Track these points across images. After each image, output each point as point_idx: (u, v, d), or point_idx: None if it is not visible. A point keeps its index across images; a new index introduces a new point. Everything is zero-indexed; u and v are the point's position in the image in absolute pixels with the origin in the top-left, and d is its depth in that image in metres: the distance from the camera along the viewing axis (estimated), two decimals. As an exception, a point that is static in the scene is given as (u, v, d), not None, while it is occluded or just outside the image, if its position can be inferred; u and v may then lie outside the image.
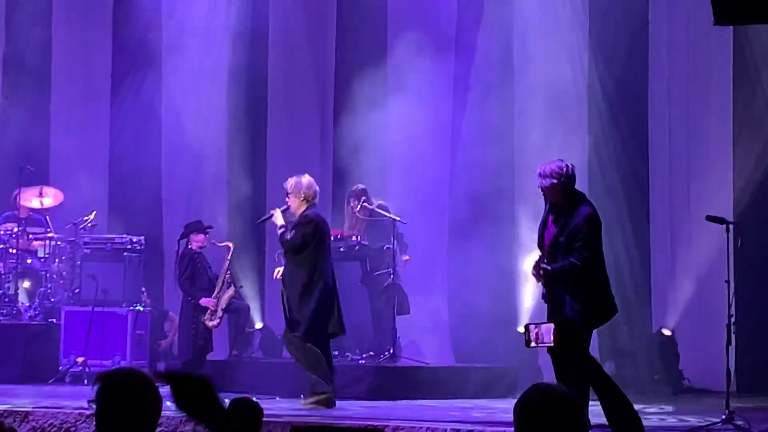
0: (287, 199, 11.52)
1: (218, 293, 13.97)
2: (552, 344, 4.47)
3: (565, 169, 9.58)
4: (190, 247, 14.22)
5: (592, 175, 14.51)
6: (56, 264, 15.31)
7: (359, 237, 14.24)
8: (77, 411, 10.59)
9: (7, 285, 15.12)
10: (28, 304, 15.17)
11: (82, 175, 16.46)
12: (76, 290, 14.98)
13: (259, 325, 15.45)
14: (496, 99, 15.24)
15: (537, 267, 9.63)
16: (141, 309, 14.64)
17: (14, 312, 15.03)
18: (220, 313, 13.91)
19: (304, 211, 11.38)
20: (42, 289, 15.21)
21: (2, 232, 15.34)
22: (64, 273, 15.26)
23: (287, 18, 16.68)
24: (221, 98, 16.55)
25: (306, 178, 11.48)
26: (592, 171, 14.62)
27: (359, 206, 14.30)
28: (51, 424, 10.32)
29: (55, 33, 17.18)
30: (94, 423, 4.38)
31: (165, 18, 16.53)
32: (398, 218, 14.13)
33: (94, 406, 4.29)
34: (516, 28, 15.30)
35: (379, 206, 14.35)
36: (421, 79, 14.92)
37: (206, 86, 16.45)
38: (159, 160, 16.73)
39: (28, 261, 15.34)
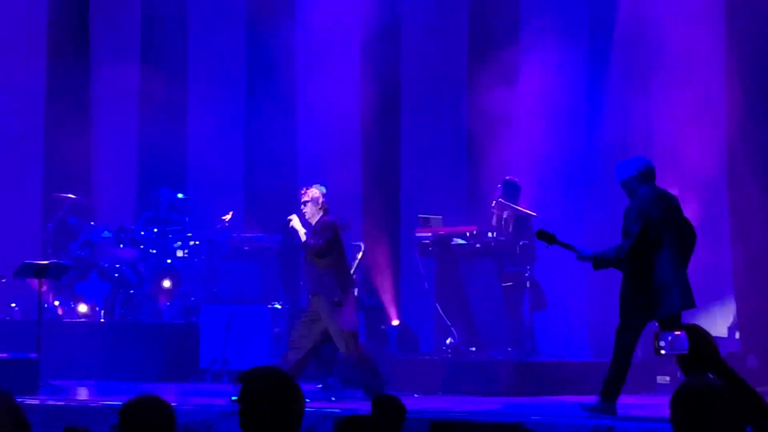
0: (303, 207, 12.14)
1: None
2: (686, 352, 4.34)
3: None
4: None
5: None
6: (195, 263, 15.51)
7: (495, 233, 14.14)
8: (219, 408, 10.71)
9: (148, 285, 15.39)
10: (168, 304, 15.40)
11: (219, 174, 16.65)
12: (215, 289, 15.16)
13: (395, 322, 15.46)
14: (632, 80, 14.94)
15: None
16: (279, 307, 14.75)
17: (156, 311, 15.29)
18: None
19: (321, 217, 12.05)
20: (181, 288, 15.42)
21: (143, 233, 15.62)
22: (202, 272, 15.45)
23: (419, 11, 16.61)
24: (355, 97, 16.55)
25: (322, 189, 12.25)
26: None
27: (494, 202, 14.20)
28: (192, 421, 10.45)
29: (191, 31, 17.37)
30: (237, 421, 4.40)
31: (299, 13, 16.64)
32: (533, 213, 14.00)
33: (238, 406, 4.32)
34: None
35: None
36: (555, 62, 14.78)
37: (340, 84, 16.45)
38: (295, 159, 16.80)
39: (168, 261, 15.56)
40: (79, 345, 14.70)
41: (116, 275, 15.38)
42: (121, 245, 15.60)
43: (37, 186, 17.19)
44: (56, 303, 15.48)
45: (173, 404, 4.76)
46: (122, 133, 17.47)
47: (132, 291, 15.42)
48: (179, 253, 15.65)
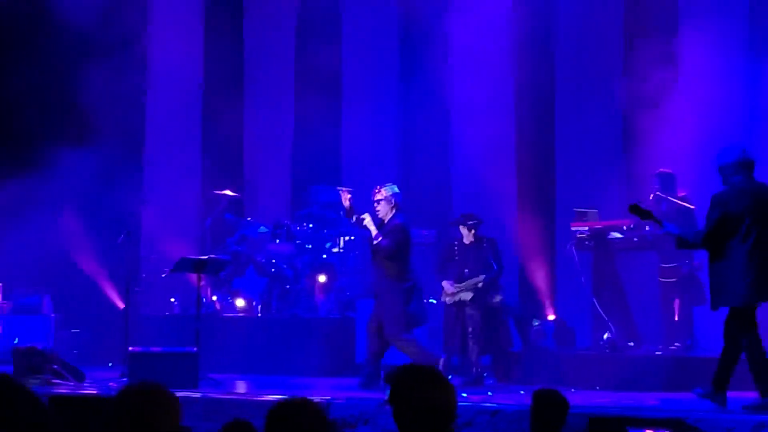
0: (377, 206, 12.39)
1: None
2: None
3: None
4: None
5: None
6: (351, 258, 15.57)
7: (650, 227, 13.89)
8: (376, 402, 10.73)
9: (304, 280, 15.51)
10: (324, 298, 15.49)
11: (374, 170, 16.69)
12: (370, 284, 15.19)
13: (551, 317, 15.30)
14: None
15: None
16: (434, 302, 14.71)
17: (312, 306, 15.40)
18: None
19: (393, 217, 12.27)
20: (337, 283, 15.50)
21: (299, 228, 15.75)
22: (358, 267, 15.51)
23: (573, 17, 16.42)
24: (508, 90, 16.41)
25: (395, 188, 12.47)
26: None
27: (652, 195, 13.95)
28: (351, 414, 10.48)
29: (345, 28, 17.45)
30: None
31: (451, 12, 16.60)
32: (692, 206, 13.71)
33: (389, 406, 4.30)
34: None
35: (682, 197, 13.91)
36: (713, 48, 14.49)
37: (493, 77, 16.34)
38: (448, 154, 16.75)
39: (324, 256, 15.66)
40: (237, 339, 14.90)
41: (273, 270, 15.53)
42: (278, 241, 15.75)
43: (195, 183, 17.47)
44: (214, 298, 15.70)
45: (329, 398, 4.74)
46: (277, 130, 17.64)
47: (288, 286, 15.55)
48: (335, 249, 15.73)
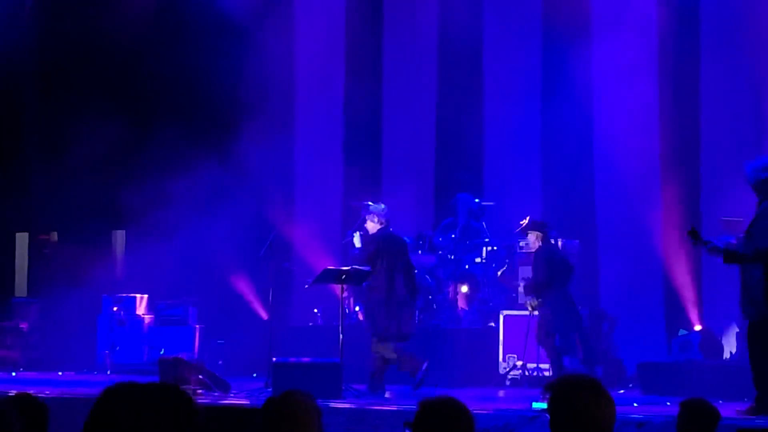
0: (365, 224, 13.31)
1: None
2: None
3: None
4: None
5: None
6: (493, 269, 15.50)
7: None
8: (519, 413, 10.64)
9: (447, 290, 15.48)
10: (467, 309, 15.44)
11: (516, 180, 16.60)
12: (513, 294, 15.10)
13: (698, 327, 15.03)
14: None
15: None
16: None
17: (454, 317, 15.36)
18: None
19: (376, 232, 13.15)
20: (480, 293, 15.44)
21: (441, 239, 15.72)
22: (501, 278, 15.43)
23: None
24: (652, 96, 16.16)
25: (381, 206, 13.31)
26: None
27: None
28: (495, 425, 10.41)
29: (486, 37, 17.36)
30: (538, 426, 4.33)
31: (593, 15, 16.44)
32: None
33: (547, 415, 4.27)
34: None
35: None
36: None
37: (637, 82, 16.10)
38: (592, 164, 16.56)
39: (466, 266, 15.61)
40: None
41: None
42: (420, 251, 15.74)
43: (338, 195, 17.57)
44: (357, 308, 15.74)
45: (473, 409, 4.71)
46: (418, 140, 17.63)
47: (430, 297, 15.53)
48: (477, 259, 15.67)
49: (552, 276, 13.54)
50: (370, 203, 15.60)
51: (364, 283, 13.33)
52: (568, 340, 13.46)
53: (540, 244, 13.64)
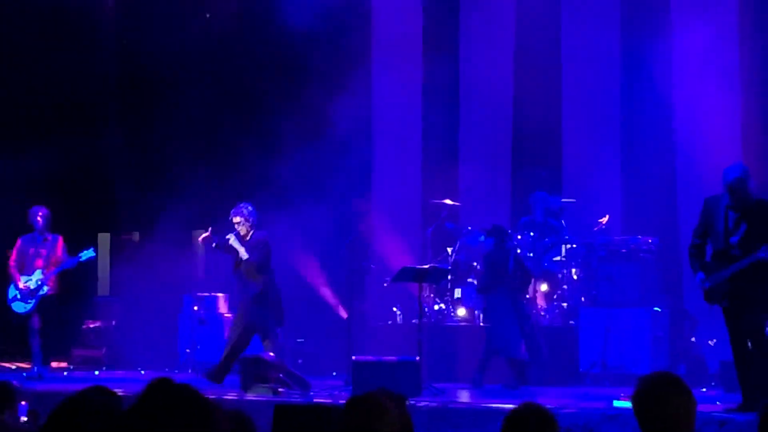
0: (237, 227, 13.71)
1: None
2: None
3: None
4: None
5: None
6: (572, 267, 15.41)
7: None
8: (600, 411, 10.57)
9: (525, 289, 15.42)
10: (546, 307, 15.37)
11: (596, 177, 16.49)
12: (593, 292, 15.01)
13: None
14: None
15: None
16: (658, 310, 14.45)
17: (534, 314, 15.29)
18: None
19: (254, 234, 13.67)
20: (559, 291, 15.36)
21: (519, 237, 15.66)
22: (580, 275, 15.34)
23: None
24: (735, 95, 15.96)
25: (249, 207, 13.80)
26: None
27: None
28: (575, 424, 10.35)
29: (564, 31, 17.26)
30: (619, 424, 4.33)
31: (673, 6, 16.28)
32: None
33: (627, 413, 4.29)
34: None
35: None
36: None
37: (719, 76, 15.89)
38: (673, 161, 16.40)
39: (545, 264, 15.54)
40: (459, 348, 14.91)
41: (494, 279, 15.47)
42: (499, 249, 15.68)
43: (416, 193, 17.57)
44: (436, 307, 15.74)
45: (553, 407, 4.70)
46: (495, 139, 17.57)
47: (510, 295, 15.47)
48: (556, 257, 15.60)
49: (493, 279, 13.90)
50: (447, 201, 15.63)
51: (252, 283, 13.70)
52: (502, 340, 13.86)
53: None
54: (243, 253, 13.66)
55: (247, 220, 13.77)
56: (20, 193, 16.22)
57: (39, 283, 14.74)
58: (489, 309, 14.08)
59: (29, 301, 14.77)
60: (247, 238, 13.79)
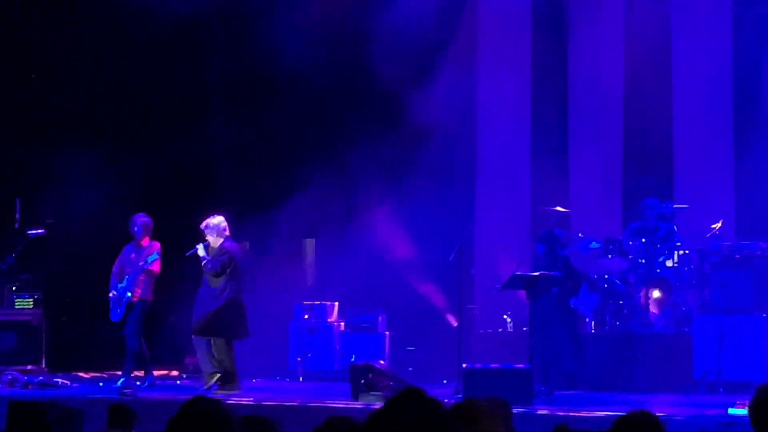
0: (207, 236, 14.41)
1: None
2: None
3: None
4: None
5: None
6: (686, 273, 15.21)
7: None
8: (714, 419, 10.42)
9: (638, 295, 15.27)
10: (658, 314, 15.19)
11: (708, 183, 16.27)
12: (706, 298, 14.80)
13: None
14: None
15: None
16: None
17: (645, 322, 15.14)
18: None
19: (221, 243, 14.36)
20: (672, 298, 15.18)
21: (631, 243, 15.52)
22: (693, 282, 15.14)
23: None
24: None
25: (219, 219, 14.49)
26: None
27: None
28: (688, 431, 10.22)
29: (674, 36, 17.05)
30: None
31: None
32: None
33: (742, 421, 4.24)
34: None
35: None
36: None
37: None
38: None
39: (657, 271, 15.37)
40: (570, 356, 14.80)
41: (605, 286, 15.35)
42: (610, 256, 15.56)
43: (525, 199, 17.49)
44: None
45: (664, 415, 4.66)
46: (606, 143, 17.41)
47: (621, 302, 15.34)
48: (668, 263, 15.41)
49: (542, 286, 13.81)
50: (558, 208, 15.52)
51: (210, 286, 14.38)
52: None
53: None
54: (202, 260, 14.43)
55: (213, 231, 14.46)
56: (130, 201, 16.44)
57: (124, 290, 14.85)
58: (534, 315, 13.97)
59: (117, 309, 14.89)
60: (215, 247, 14.46)
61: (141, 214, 14.98)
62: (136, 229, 14.88)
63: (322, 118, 18.08)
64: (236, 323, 14.50)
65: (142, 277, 14.78)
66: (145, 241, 14.83)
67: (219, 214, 14.64)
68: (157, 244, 14.93)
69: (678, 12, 16.97)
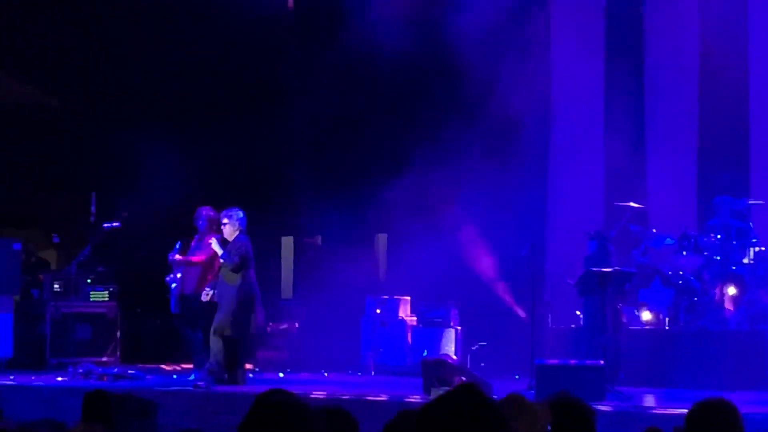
0: (223, 228, 14.39)
1: None
2: None
3: None
4: None
5: None
6: (761, 270, 15.04)
7: None
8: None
9: (713, 292, 15.12)
10: (733, 311, 15.03)
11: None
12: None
13: None
14: None
15: None
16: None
17: (721, 319, 14.98)
18: None
19: (237, 236, 14.29)
20: (747, 295, 15.01)
21: (706, 240, 15.37)
22: (769, 279, 14.97)
23: None
24: None
25: (240, 213, 14.42)
26: None
27: None
28: (764, 430, 10.10)
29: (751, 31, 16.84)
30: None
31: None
32: None
33: None
34: None
35: None
36: None
37: None
38: None
39: (733, 267, 15.21)
40: (644, 352, 14.70)
41: (680, 282, 15.22)
42: (684, 252, 15.42)
43: (598, 195, 17.37)
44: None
45: (744, 412, 4.59)
46: (681, 140, 17.25)
47: (696, 298, 15.20)
48: (744, 260, 15.24)
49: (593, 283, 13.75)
50: (632, 203, 15.41)
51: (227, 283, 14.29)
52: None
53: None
54: (219, 255, 14.29)
55: (233, 224, 14.37)
56: (204, 194, 16.54)
57: (175, 284, 14.95)
58: (585, 312, 13.89)
59: (173, 302, 15.02)
60: (230, 239, 14.36)
61: (206, 207, 15.03)
62: (200, 222, 14.94)
63: (395, 113, 18.07)
64: (247, 321, 14.40)
65: (181, 268, 14.88)
66: (209, 236, 14.86)
67: (239, 208, 14.54)
68: (215, 237, 14.99)
69: (755, 2, 16.76)
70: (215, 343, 14.21)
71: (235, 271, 14.25)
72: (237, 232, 14.38)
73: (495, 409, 3.54)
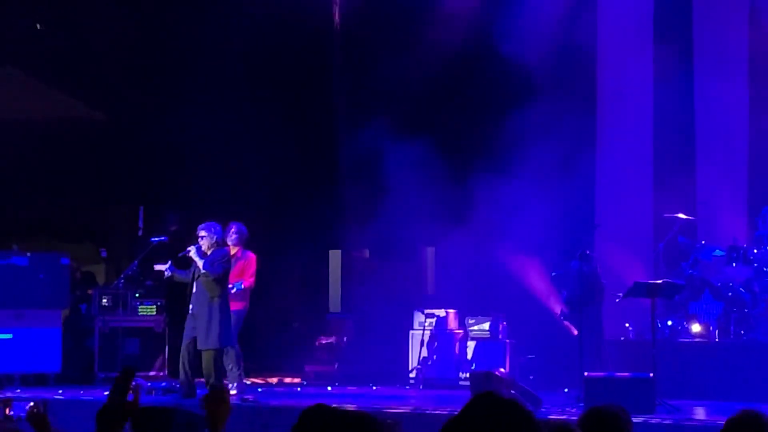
0: (200, 240, 14.19)
1: None
2: None
3: None
4: None
5: None
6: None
7: None
8: None
9: (763, 304, 15.01)
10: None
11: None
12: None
13: None
14: None
15: None
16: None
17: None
18: None
19: (215, 250, 14.14)
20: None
21: (756, 251, 15.25)
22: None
23: None
24: None
25: (219, 225, 14.35)
26: None
27: None
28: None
29: None
30: None
31: None
32: None
33: None
34: None
35: None
36: None
37: None
38: None
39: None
40: (694, 365, 14.61)
41: (729, 294, 15.11)
42: (734, 264, 15.31)
43: (647, 206, 17.27)
44: (669, 322, 15.45)
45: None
46: (731, 151, 17.12)
47: (746, 310, 15.08)
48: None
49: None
50: (680, 215, 15.31)
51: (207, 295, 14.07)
52: None
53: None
54: (201, 265, 14.08)
55: (211, 237, 14.23)
56: (251, 209, 16.57)
57: None
58: (586, 324, 13.89)
59: None
60: (208, 253, 14.16)
61: (237, 222, 15.10)
62: (234, 237, 15.00)
63: (443, 126, 18.06)
64: (229, 333, 14.26)
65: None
66: (239, 251, 14.88)
67: (217, 223, 14.46)
68: (252, 257, 14.99)
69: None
70: (206, 363, 14.07)
71: (218, 281, 14.10)
72: (214, 246, 14.25)
73: (529, 421, 3.50)
